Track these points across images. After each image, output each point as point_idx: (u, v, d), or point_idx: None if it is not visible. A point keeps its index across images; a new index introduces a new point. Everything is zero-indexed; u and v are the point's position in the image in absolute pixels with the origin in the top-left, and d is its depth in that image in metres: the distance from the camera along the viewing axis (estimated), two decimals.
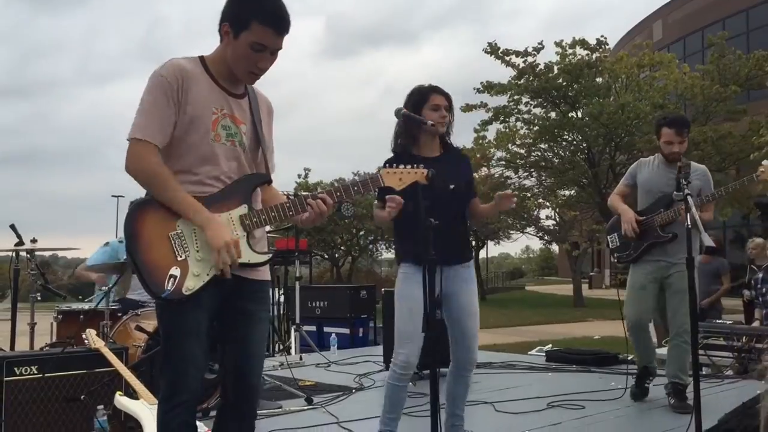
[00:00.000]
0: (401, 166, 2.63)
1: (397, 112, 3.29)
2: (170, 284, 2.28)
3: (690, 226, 3.42)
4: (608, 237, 4.96)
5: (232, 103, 2.45)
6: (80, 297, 6.24)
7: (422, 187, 2.73)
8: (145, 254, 2.30)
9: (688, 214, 3.44)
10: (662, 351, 5.72)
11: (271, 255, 2.53)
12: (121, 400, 3.63)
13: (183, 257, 2.32)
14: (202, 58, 2.46)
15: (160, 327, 2.45)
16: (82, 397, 3.87)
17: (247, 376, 2.49)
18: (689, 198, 3.51)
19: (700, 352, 4.85)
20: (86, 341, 4.07)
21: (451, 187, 3.33)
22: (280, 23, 2.37)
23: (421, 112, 3.32)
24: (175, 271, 2.29)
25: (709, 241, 3.36)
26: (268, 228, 2.61)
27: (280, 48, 2.42)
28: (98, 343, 3.99)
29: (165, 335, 2.42)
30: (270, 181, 2.60)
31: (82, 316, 4.93)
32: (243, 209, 2.43)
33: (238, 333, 2.47)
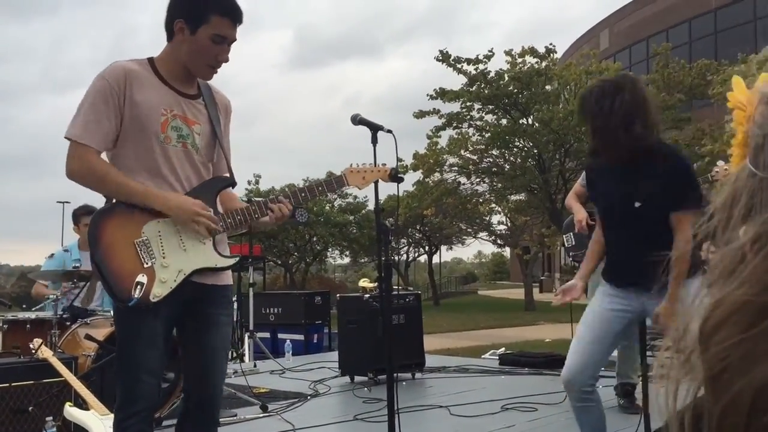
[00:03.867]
0: (364, 165, 2.66)
1: (354, 118, 3.30)
2: (137, 291, 2.26)
3: None
4: (563, 236, 5.00)
5: (183, 103, 2.43)
6: (24, 306, 6.07)
7: None
8: (110, 262, 2.27)
9: None
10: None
11: (238, 258, 2.54)
12: (71, 411, 3.55)
13: (149, 264, 2.30)
14: (150, 60, 2.43)
15: (117, 334, 2.42)
16: (31, 408, 3.77)
17: (210, 381, 2.47)
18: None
19: (649, 353, 4.96)
20: (33, 351, 3.97)
21: (637, 204, 2.88)
22: (237, 13, 2.39)
23: None
24: (142, 278, 2.27)
25: None
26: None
27: (235, 39, 2.42)
28: (46, 353, 3.89)
29: (121, 342, 2.39)
30: (234, 185, 2.59)
31: (28, 326, 4.80)
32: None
33: (200, 337, 2.46)
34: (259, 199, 2.64)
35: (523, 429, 4.27)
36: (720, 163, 4.29)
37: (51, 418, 3.72)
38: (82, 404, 3.61)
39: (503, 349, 8.36)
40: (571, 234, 4.88)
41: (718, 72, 16.82)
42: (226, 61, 2.43)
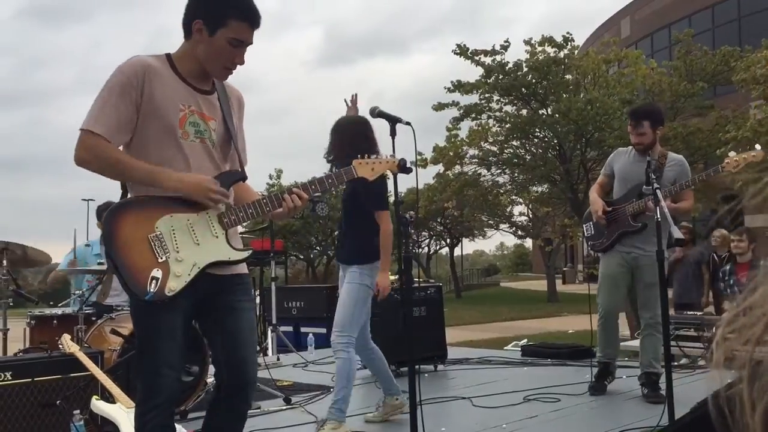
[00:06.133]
0: (373, 157, 2.68)
1: (372, 111, 3.31)
2: (153, 286, 2.28)
3: (660, 219, 3.49)
4: (584, 225, 5.06)
5: (200, 99, 2.45)
6: (51, 303, 6.16)
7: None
8: (125, 257, 2.29)
9: (658, 207, 3.51)
10: (635, 343, 5.82)
11: (251, 251, 2.55)
12: (98, 405, 3.60)
13: (164, 258, 2.32)
14: (168, 56, 2.45)
15: (135, 329, 2.45)
16: (59, 402, 3.83)
17: (241, 368, 2.49)
18: (658, 192, 3.59)
19: (672, 343, 4.94)
20: (61, 346, 4.03)
21: None
22: (255, 18, 2.40)
23: None
24: (157, 273, 2.29)
25: (678, 234, 3.43)
26: (240, 228, 2.63)
27: (252, 43, 2.44)
28: (73, 348, 3.95)
29: (140, 337, 2.42)
30: (245, 179, 2.61)
31: (55, 321, 4.88)
32: (221, 207, 2.44)
33: (226, 327, 2.48)
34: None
35: (546, 419, 4.26)
36: (731, 153, 4.29)
37: (78, 411, 3.78)
38: (109, 398, 3.66)
39: (525, 340, 8.35)
40: (591, 224, 4.92)
41: (742, 58, 16.57)
42: (242, 63, 2.44)
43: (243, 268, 2.57)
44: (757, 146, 4.34)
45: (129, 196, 2.46)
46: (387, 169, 2.70)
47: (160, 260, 2.31)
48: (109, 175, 2.35)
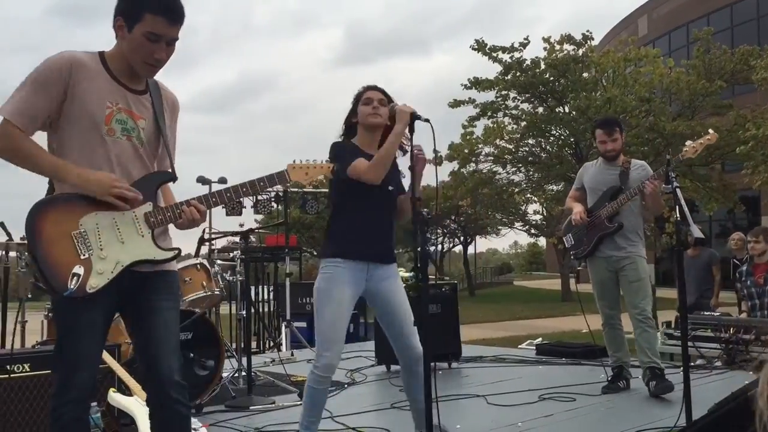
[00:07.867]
0: (307, 161, 2.66)
1: (390, 108, 3.30)
2: (74, 282, 2.27)
3: (679, 218, 3.47)
4: (564, 239, 5.24)
5: (129, 98, 2.44)
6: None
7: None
8: (46, 252, 2.28)
9: (677, 207, 3.50)
10: None
11: (177, 251, 2.52)
12: (115, 397, 3.63)
13: (86, 256, 2.31)
14: (101, 54, 2.45)
15: (55, 325, 2.44)
16: None
17: (158, 365, 2.45)
18: (678, 191, 3.57)
19: (689, 344, 4.90)
20: None
21: (389, 188, 3.39)
22: (172, 12, 2.38)
23: (357, 108, 3.40)
24: (79, 269, 2.28)
25: (698, 233, 3.41)
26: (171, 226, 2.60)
27: (176, 38, 2.42)
28: None
29: (59, 332, 2.41)
30: (175, 179, 2.58)
31: None
32: (147, 207, 2.42)
33: (143, 325, 2.47)
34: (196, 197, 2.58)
35: (562, 419, 4.24)
36: (688, 142, 4.50)
37: (95, 403, 3.80)
38: (125, 390, 3.69)
39: (540, 339, 8.31)
40: (569, 235, 5.13)
41: (761, 57, 16.40)
42: (164, 59, 2.43)
43: (170, 266, 2.55)
44: (710, 130, 4.59)
45: (55, 192, 2.42)
46: (321, 174, 2.68)
47: (82, 257, 2.30)
48: (19, 164, 2.34)
